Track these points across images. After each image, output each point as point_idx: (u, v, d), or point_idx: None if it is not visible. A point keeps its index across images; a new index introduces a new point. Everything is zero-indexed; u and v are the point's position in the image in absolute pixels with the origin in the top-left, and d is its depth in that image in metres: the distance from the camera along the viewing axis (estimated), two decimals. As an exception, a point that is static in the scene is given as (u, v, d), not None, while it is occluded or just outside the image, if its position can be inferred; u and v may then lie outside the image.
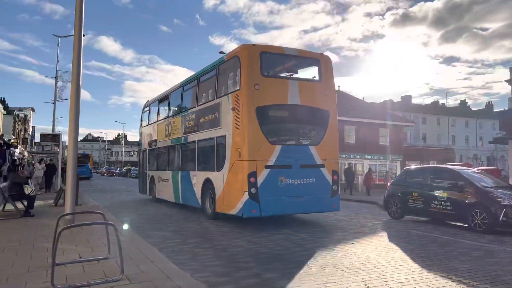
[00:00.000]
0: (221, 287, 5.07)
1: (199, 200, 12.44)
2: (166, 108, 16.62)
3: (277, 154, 10.25)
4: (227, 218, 11.21)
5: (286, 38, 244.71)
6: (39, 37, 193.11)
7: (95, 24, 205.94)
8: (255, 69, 10.32)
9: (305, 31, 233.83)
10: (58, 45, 30.81)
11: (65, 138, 22.00)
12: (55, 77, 30.67)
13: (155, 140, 17.35)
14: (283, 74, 11.76)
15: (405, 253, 7.33)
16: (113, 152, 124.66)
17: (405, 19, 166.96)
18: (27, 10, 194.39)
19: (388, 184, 13.93)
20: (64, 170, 18.32)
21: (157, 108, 17.71)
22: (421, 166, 16.70)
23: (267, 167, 10.09)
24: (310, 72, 11.81)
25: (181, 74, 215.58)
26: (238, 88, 10.45)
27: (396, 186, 12.85)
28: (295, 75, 11.65)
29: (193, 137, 13.33)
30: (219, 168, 11.27)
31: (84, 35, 9.26)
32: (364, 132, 32.73)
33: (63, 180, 14.52)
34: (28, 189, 11.12)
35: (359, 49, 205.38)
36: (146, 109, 19.32)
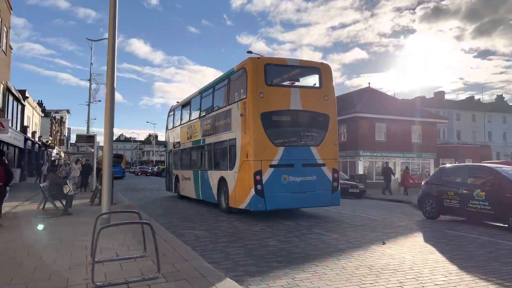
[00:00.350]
0: (254, 286, 5.09)
1: (216, 196, 13.75)
2: (188, 113, 17.82)
3: (280, 155, 11.38)
4: (242, 212, 12.23)
5: (314, 35, 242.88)
6: (73, 41, 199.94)
7: (125, 27, 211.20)
8: (259, 79, 11.52)
9: (333, 28, 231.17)
10: (91, 49, 31.69)
11: (99, 138, 22.69)
12: (89, 80, 31.59)
13: (179, 142, 18.66)
14: (286, 83, 12.86)
15: (442, 254, 7.13)
16: (145, 152, 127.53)
17: (437, 12, 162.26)
18: (62, 16, 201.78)
19: (423, 183, 13.57)
20: (98, 170, 18.96)
21: (180, 112, 19.04)
22: (457, 164, 16.18)
23: (271, 166, 11.24)
24: (312, 80, 12.89)
25: (209, 74, 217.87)
26: (245, 96, 11.66)
27: (431, 185, 12.51)
28: (297, 83, 12.80)
29: (210, 139, 14.59)
30: (231, 168, 12.47)
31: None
32: (395, 130, 32.01)
33: (98, 180, 14.97)
34: (66, 189, 11.55)
35: (389, 44, 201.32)
36: (171, 113, 20.67)
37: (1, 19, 23.67)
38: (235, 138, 12.24)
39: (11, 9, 26.39)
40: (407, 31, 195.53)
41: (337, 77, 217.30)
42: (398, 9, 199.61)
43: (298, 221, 11.21)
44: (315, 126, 12.28)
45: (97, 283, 4.55)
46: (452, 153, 36.68)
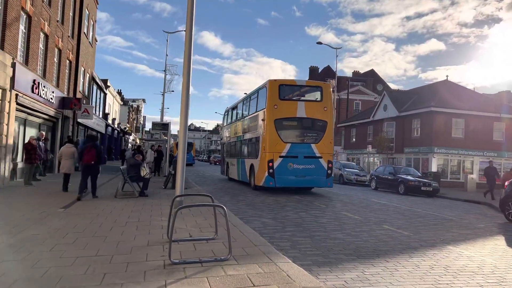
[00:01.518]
0: (324, 276, 5.07)
1: (248, 178, 18.05)
2: (235, 114, 22.57)
3: (287, 149, 15.56)
4: (262, 188, 16.48)
5: (387, 26, 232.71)
6: (150, 34, 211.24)
7: (197, 20, 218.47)
8: (275, 95, 15.79)
9: (408, 18, 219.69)
10: (167, 41, 33.17)
11: (172, 127, 23.86)
12: (164, 71, 33.13)
13: (229, 137, 23.49)
14: (294, 98, 16.88)
15: (529, 261, 6.55)
16: (213, 141, 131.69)
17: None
18: (141, 9, 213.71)
19: (506, 183, 12.54)
20: (171, 157, 20.02)
21: (231, 113, 23.96)
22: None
23: (280, 156, 15.47)
24: (315, 94, 16.92)
25: (276, 66, 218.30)
26: (265, 107, 15.98)
27: (516, 186, 11.51)
28: (303, 98, 16.97)
29: (246, 136, 19.03)
30: (256, 157, 16.72)
31: (185, 31, 9.79)
32: (475, 126, 29.79)
33: (172, 165, 15.80)
34: (143, 171, 12.29)
35: (471, 35, 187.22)
36: (225, 113, 25.72)
37: (89, 13, 25.58)
38: (259, 136, 16.54)
39: (97, 3, 28.39)
40: (492, 20, 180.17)
41: (410, 70, 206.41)
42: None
43: (367, 216, 10.94)
44: (315, 129, 16.12)
45: (174, 260, 4.81)
46: (540, 154, 33.35)
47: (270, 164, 15.28)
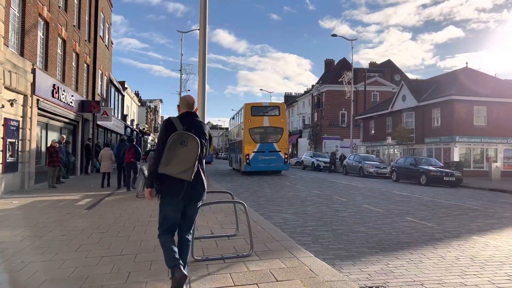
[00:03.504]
0: (347, 270, 5.03)
1: (239, 166, 26.68)
2: (233, 123, 31.72)
3: (258, 147, 24.32)
4: (246, 173, 24.99)
5: (402, 15, 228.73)
6: (164, 35, 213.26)
7: (211, 18, 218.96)
8: (249, 113, 24.78)
9: (424, 6, 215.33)
10: (182, 40, 33.40)
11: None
12: (180, 70, 33.39)
13: (231, 139, 32.99)
14: (261, 114, 25.11)
15: (559, 249, 6.36)
16: (230, 139, 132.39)
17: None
18: (154, 11, 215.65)
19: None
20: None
21: (231, 122, 33.38)
22: None
23: (253, 152, 24.23)
24: (275, 111, 25.51)
25: (292, 61, 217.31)
26: (243, 121, 24.99)
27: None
28: (267, 114, 25.23)
29: (237, 138, 28.23)
30: (241, 153, 25.27)
31: (198, 30, 9.84)
32: (497, 113, 29.02)
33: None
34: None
35: (490, 20, 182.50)
36: (230, 121, 34.75)
37: (104, 17, 25.93)
38: (242, 139, 25.08)
39: (112, 6, 28.74)
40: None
41: (427, 59, 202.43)
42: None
43: (388, 208, 10.81)
44: (276, 133, 24.79)
45: (196, 258, 4.85)
46: None
47: (247, 157, 24.18)
